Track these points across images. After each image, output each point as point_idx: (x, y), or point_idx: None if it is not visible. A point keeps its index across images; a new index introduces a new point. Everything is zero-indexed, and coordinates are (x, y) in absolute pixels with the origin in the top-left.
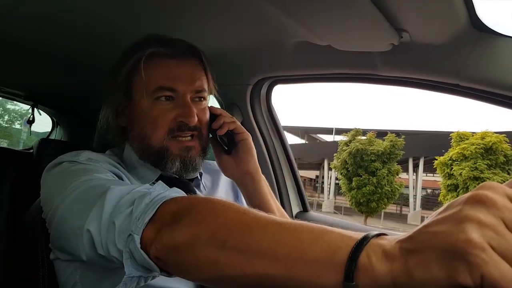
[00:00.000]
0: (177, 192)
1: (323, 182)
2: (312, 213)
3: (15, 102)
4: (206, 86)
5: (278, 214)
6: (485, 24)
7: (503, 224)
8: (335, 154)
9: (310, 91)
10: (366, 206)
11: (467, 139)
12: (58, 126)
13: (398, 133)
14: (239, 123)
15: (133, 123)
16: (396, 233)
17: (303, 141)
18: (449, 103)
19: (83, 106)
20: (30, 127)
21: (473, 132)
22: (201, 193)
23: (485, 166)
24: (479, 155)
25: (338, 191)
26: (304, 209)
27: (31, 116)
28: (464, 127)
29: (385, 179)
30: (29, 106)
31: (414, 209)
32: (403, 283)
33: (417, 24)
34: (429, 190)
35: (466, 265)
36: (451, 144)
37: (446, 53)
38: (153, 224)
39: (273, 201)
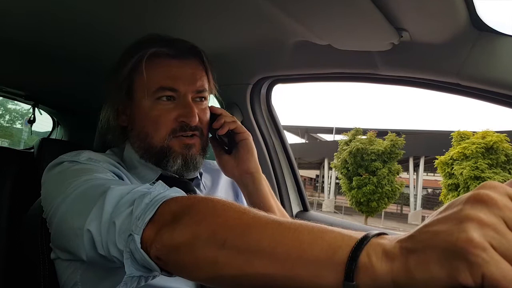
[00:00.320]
0: (177, 192)
1: (323, 182)
2: (312, 212)
3: (16, 102)
4: (207, 86)
5: (279, 213)
6: (485, 23)
7: (504, 224)
8: (335, 154)
9: (310, 90)
10: (367, 206)
11: (468, 138)
12: (59, 126)
13: (398, 133)
14: (240, 123)
15: (134, 123)
16: (396, 233)
17: (303, 141)
18: (450, 103)
19: (84, 106)
20: (31, 126)
21: (474, 132)
22: (201, 192)
23: (486, 165)
24: (480, 155)
25: (338, 190)
26: (304, 208)
27: (32, 115)
28: (465, 127)
29: (385, 179)
30: (30, 106)
31: (415, 208)
32: (403, 283)
33: (417, 23)
34: (429, 190)
35: (467, 264)
36: (451, 143)
37: (447, 52)
38: (153, 224)
39: (274, 201)
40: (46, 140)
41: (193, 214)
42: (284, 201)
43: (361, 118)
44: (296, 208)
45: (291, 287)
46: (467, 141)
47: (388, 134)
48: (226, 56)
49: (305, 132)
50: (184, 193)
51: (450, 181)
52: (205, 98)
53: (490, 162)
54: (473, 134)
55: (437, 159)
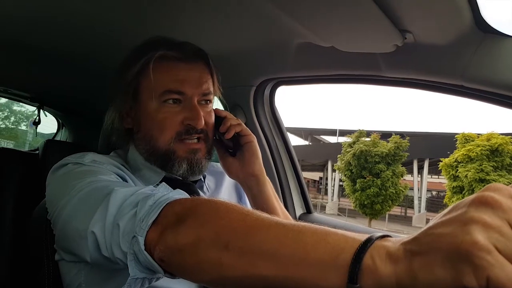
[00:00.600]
0: (180, 194)
1: (326, 184)
2: (316, 214)
3: (21, 103)
4: (212, 89)
5: (283, 216)
6: (489, 25)
7: (509, 226)
8: (339, 156)
9: (313, 92)
10: (371, 208)
11: (473, 140)
12: (64, 128)
13: (402, 135)
14: (245, 125)
15: (139, 125)
16: (400, 235)
17: (306, 143)
18: (454, 105)
19: (88, 108)
20: (36, 128)
21: (478, 134)
22: (204, 194)
23: (491, 168)
24: (485, 157)
25: (342, 193)
26: (308, 211)
27: (37, 117)
28: (470, 129)
29: (389, 181)
30: (35, 108)
31: (419, 211)
32: (407, 285)
33: (421, 25)
34: (434, 192)
35: (472, 267)
36: (456, 145)
37: (450, 54)
38: (157, 226)
39: (278, 204)
40: (50, 142)
41: (197, 216)
42: (287, 203)
43: (364, 120)
44: (299, 210)
45: None
46: (471, 143)
47: (392, 136)
48: (229, 58)
49: (309, 134)
50: (187, 195)
51: (454, 184)
52: (210, 101)
53: (495, 164)
54: (478, 136)
55: (442, 161)
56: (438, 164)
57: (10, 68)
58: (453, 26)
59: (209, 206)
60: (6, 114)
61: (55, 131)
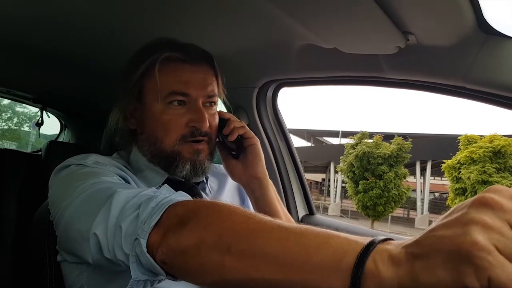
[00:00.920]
0: (183, 196)
1: (329, 185)
2: (318, 216)
3: (24, 104)
4: (216, 91)
5: (285, 219)
6: (492, 27)
7: (509, 227)
8: (341, 157)
9: (316, 93)
10: (373, 210)
11: (475, 142)
12: (66, 129)
13: (405, 136)
14: (248, 128)
15: (143, 126)
16: (403, 237)
17: (309, 144)
18: (457, 106)
19: (91, 109)
20: (39, 129)
21: (481, 135)
22: (206, 196)
23: (494, 169)
24: (488, 159)
25: (344, 194)
26: (310, 212)
27: (40, 118)
28: (472, 130)
29: (392, 183)
30: (38, 109)
31: (422, 213)
32: None
33: (424, 26)
34: (437, 194)
35: (473, 268)
36: (459, 147)
37: (453, 55)
38: (159, 228)
39: (280, 206)
40: (53, 143)
41: (199, 219)
42: (290, 205)
43: (367, 121)
44: (302, 212)
45: None
46: (474, 145)
47: (395, 138)
48: (232, 60)
49: (311, 135)
50: (190, 197)
51: (457, 185)
52: (215, 103)
53: (498, 166)
54: (481, 138)
55: (444, 163)
56: (441, 166)
57: (11, 69)
58: (455, 28)
59: (212, 208)
60: (9, 115)
61: (57, 132)
